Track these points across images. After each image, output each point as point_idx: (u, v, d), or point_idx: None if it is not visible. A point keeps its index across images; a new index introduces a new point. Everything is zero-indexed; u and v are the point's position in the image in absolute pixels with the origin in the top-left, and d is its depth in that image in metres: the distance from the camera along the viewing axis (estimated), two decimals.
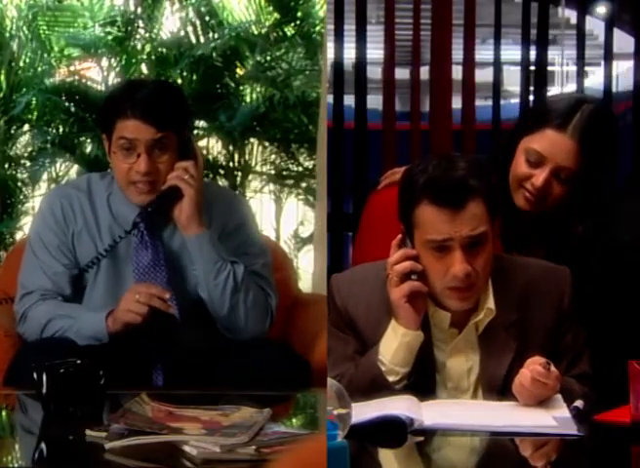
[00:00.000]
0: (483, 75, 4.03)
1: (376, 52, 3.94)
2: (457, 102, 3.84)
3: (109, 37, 4.43)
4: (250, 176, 4.57)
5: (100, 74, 4.47)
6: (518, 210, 2.28)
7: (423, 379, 2.06)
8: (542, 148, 2.23)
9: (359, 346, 2.12)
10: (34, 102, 4.42)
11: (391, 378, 2.03)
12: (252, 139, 4.53)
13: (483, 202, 2.00)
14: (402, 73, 3.96)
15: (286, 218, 4.67)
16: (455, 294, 2.03)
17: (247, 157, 4.53)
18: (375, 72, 4.15)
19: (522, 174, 2.26)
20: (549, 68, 4.19)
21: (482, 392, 2.07)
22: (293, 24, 4.50)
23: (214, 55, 4.43)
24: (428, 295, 2.06)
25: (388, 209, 2.49)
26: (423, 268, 2.03)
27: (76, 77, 4.49)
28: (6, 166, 4.43)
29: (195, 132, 4.30)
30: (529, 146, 2.25)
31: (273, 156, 4.56)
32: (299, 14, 4.49)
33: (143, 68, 4.46)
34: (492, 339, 2.06)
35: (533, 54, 3.97)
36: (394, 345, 2.04)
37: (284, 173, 4.59)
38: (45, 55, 4.42)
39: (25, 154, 4.46)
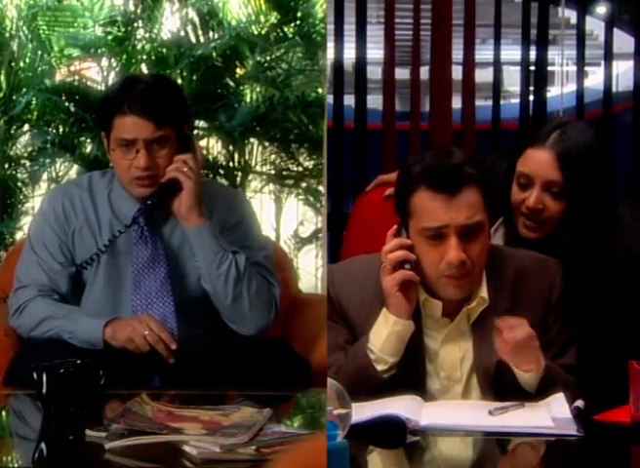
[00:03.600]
0: (483, 75, 4.03)
1: (376, 52, 3.94)
2: (457, 102, 3.85)
3: (109, 37, 4.42)
4: (250, 176, 4.56)
5: (99, 74, 4.47)
6: (523, 239, 2.29)
7: (415, 369, 2.07)
8: (528, 169, 2.27)
9: (350, 336, 2.13)
10: (34, 102, 4.41)
11: (380, 367, 2.03)
12: (252, 139, 4.52)
13: (479, 190, 2.02)
14: (402, 73, 3.96)
15: (286, 218, 4.67)
16: (450, 282, 2.03)
17: (247, 157, 4.52)
18: (375, 72, 4.15)
19: (516, 199, 2.29)
20: (549, 68, 4.19)
21: (475, 381, 2.07)
22: (293, 24, 4.49)
23: (214, 55, 4.42)
24: (422, 284, 2.07)
25: (377, 209, 2.51)
26: (418, 257, 2.04)
27: (76, 77, 4.48)
28: (6, 166, 4.43)
29: (195, 132, 4.29)
30: (517, 170, 2.29)
31: (273, 156, 4.56)
32: (299, 14, 4.48)
33: (144, 68, 4.46)
34: (483, 328, 2.07)
35: (533, 54, 3.98)
36: (384, 333, 2.04)
37: (284, 173, 4.58)
38: (45, 55, 4.41)
39: (25, 154, 4.45)
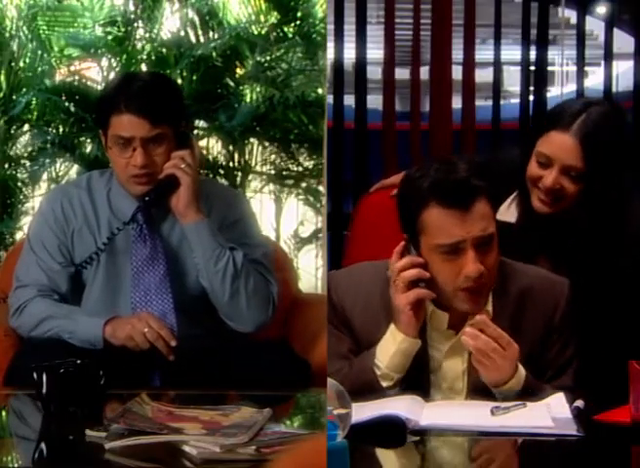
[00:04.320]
0: (483, 75, 4.03)
1: (376, 52, 3.94)
2: (457, 102, 3.85)
3: (109, 37, 4.42)
4: (250, 176, 4.55)
5: (99, 74, 4.46)
6: (535, 212, 2.30)
7: (418, 379, 2.06)
8: (549, 150, 2.26)
9: (353, 345, 2.12)
10: (34, 102, 4.41)
11: (385, 383, 2.03)
12: (252, 139, 4.52)
13: (488, 201, 2.01)
14: (402, 73, 3.96)
15: (286, 218, 4.66)
16: (467, 296, 2.02)
17: (247, 157, 4.52)
18: (375, 72, 4.15)
19: (533, 175, 2.29)
20: (549, 68, 4.19)
21: (473, 393, 2.07)
22: (293, 24, 4.49)
23: (214, 55, 4.42)
24: (434, 298, 2.06)
25: (380, 211, 2.50)
26: (432, 272, 2.02)
27: (76, 77, 4.48)
28: (6, 166, 4.42)
29: (195, 132, 4.29)
30: (537, 150, 2.28)
31: (273, 156, 4.55)
32: (299, 14, 4.48)
33: (143, 68, 4.45)
34: None
35: (533, 54, 3.98)
36: (392, 350, 2.03)
37: (284, 173, 4.58)
38: (45, 55, 4.40)
39: (25, 154, 4.45)
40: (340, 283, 2.17)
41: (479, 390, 2.05)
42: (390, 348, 2.04)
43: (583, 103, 2.31)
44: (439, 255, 2.01)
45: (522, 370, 2.01)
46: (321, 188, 4.47)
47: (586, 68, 4.32)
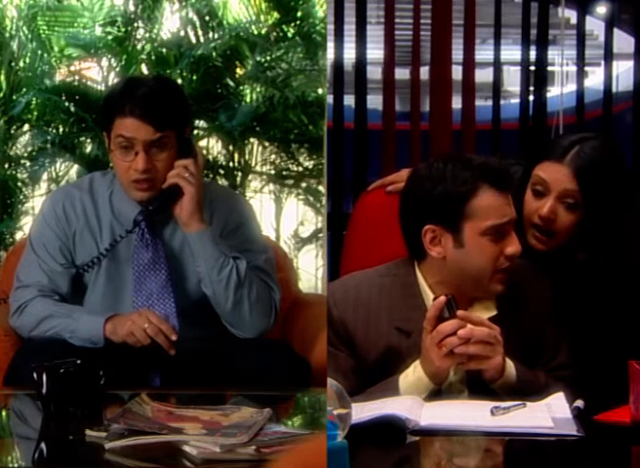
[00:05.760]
0: (483, 75, 4.03)
1: (376, 52, 3.94)
2: (457, 102, 3.85)
3: (109, 37, 4.42)
4: (250, 176, 4.56)
5: (100, 74, 4.47)
6: (532, 250, 2.29)
7: None
8: (545, 175, 2.27)
9: (355, 363, 2.10)
10: (34, 102, 4.42)
11: None
12: (252, 139, 4.53)
13: None
14: (402, 73, 3.96)
15: (286, 218, 4.67)
16: (502, 278, 2.07)
17: (247, 157, 4.52)
18: (375, 72, 4.15)
19: (531, 209, 2.29)
20: (549, 68, 4.19)
21: (472, 384, 2.07)
22: (293, 24, 4.50)
23: (214, 55, 4.42)
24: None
25: (378, 210, 2.49)
26: (473, 260, 2.05)
27: (76, 77, 4.49)
28: (6, 166, 4.43)
29: (195, 132, 4.29)
30: (534, 174, 2.29)
31: (273, 156, 4.56)
32: (299, 14, 4.49)
33: (144, 68, 4.46)
34: None
35: (533, 54, 3.98)
36: (422, 395, 2.02)
37: (284, 173, 4.58)
38: (45, 55, 4.41)
39: (25, 154, 4.46)
40: (338, 298, 2.15)
41: (469, 381, 2.07)
42: (421, 394, 2.02)
43: (577, 137, 2.30)
44: (485, 239, 2.04)
45: (508, 360, 2.03)
46: (321, 188, 4.48)
47: (586, 68, 4.32)
